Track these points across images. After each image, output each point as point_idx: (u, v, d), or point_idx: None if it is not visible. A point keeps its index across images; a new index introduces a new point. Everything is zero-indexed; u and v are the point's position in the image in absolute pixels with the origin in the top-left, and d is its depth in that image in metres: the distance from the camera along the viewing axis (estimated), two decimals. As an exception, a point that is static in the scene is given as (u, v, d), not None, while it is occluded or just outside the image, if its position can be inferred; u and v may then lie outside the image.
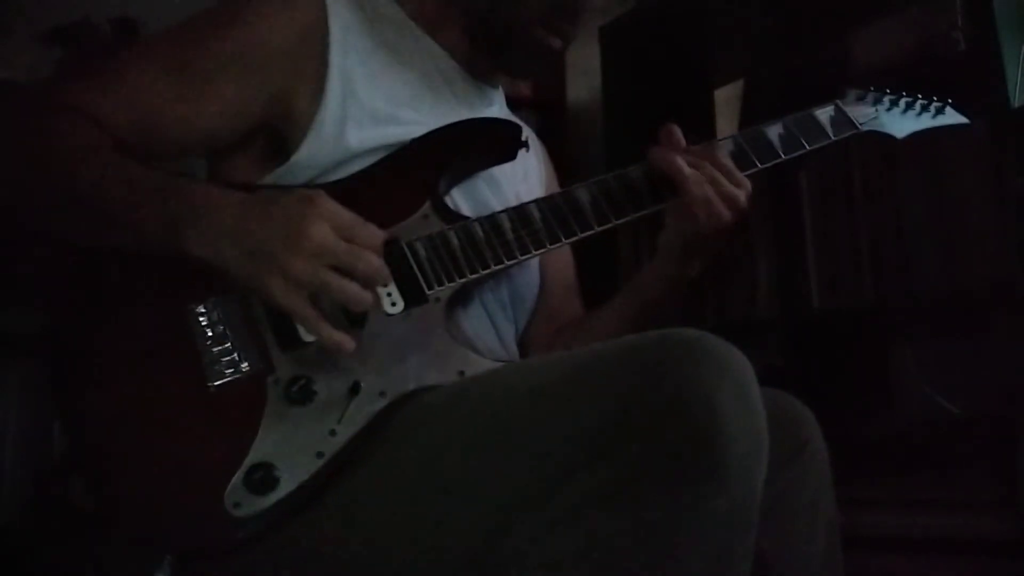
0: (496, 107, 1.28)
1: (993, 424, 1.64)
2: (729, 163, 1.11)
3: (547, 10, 1.15)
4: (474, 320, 1.10)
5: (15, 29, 2.28)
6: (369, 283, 0.90)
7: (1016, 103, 1.73)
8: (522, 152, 1.17)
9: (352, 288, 0.89)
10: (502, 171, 1.19)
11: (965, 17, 1.78)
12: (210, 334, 0.95)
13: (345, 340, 0.90)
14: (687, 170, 1.08)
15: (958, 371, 1.74)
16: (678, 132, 1.13)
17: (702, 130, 2.16)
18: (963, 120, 1.34)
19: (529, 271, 1.24)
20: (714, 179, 1.09)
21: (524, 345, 1.25)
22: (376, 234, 0.92)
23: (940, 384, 1.75)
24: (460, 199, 1.13)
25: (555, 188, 1.39)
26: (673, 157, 1.09)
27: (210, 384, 0.93)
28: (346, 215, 0.90)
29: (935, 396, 1.75)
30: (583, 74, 2.75)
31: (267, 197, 0.92)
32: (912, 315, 1.84)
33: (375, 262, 0.90)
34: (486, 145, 1.14)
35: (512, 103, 2.95)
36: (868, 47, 1.94)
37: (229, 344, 0.94)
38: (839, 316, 1.93)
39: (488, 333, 1.13)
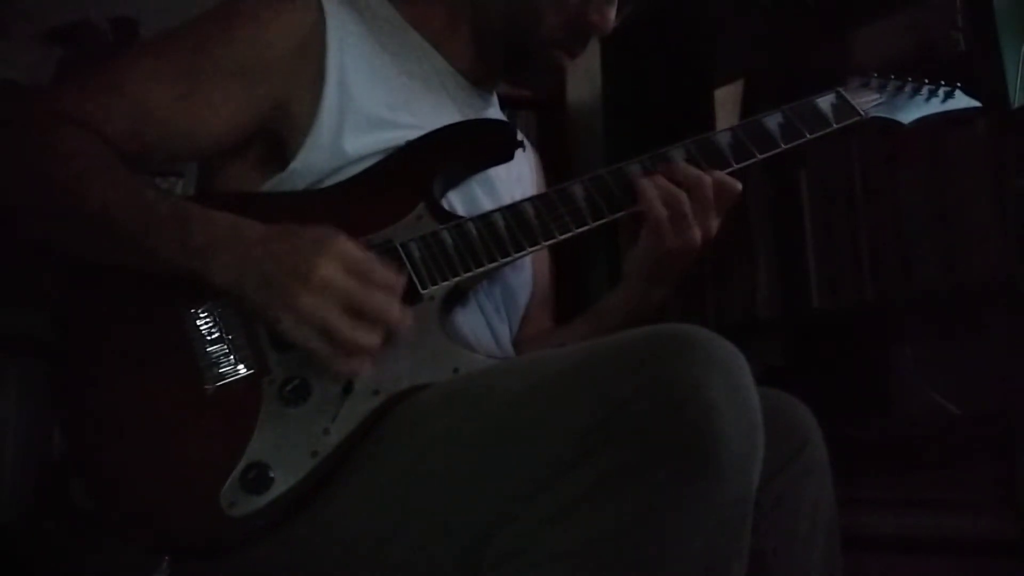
0: (492, 110, 1.29)
1: (993, 424, 1.64)
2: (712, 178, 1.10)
3: (564, 33, 1.17)
4: (470, 319, 1.10)
5: (15, 29, 2.27)
6: (381, 322, 0.91)
7: (1016, 103, 1.73)
8: (518, 153, 1.17)
9: (358, 333, 0.89)
10: (497, 174, 1.19)
11: (965, 17, 1.78)
12: (207, 337, 0.95)
13: (360, 365, 0.91)
14: (652, 192, 1.08)
15: (958, 371, 1.74)
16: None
17: (702, 130, 2.16)
18: (974, 103, 1.31)
19: (523, 271, 1.24)
20: (677, 208, 1.08)
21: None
22: (389, 275, 0.92)
23: (940, 384, 1.75)
24: (456, 202, 1.13)
25: (543, 181, 1.39)
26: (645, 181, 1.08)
27: (207, 386, 0.93)
28: (358, 255, 0.91)
29: (935, 396, 1.75)
30: (583, 74, 2.75)
31: (288, 231, 0.92)
32: (912, 315, 1.84)
33: (383, 302, 0.90)
34: (481, 146, 1.14)
35: (512, 103, 2.96)
36: (868, 47, 1.94)
37: (226, 347, 0.95)
38: (839, 316, 1.93)
39: (483, 332, 1.13)
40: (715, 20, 2.34)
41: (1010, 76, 1.73)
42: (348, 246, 0.91)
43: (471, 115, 1.22)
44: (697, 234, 1.09)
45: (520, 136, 1.18)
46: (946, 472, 1.69)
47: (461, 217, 1.06)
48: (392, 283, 0.92)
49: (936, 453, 1.70)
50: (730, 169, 1.13)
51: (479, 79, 1.23)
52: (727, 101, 2.23)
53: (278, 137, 1.08)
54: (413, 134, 1.09)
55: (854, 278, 1.88)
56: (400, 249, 1.01)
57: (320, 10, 1.09)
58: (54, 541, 1.69)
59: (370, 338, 0.90)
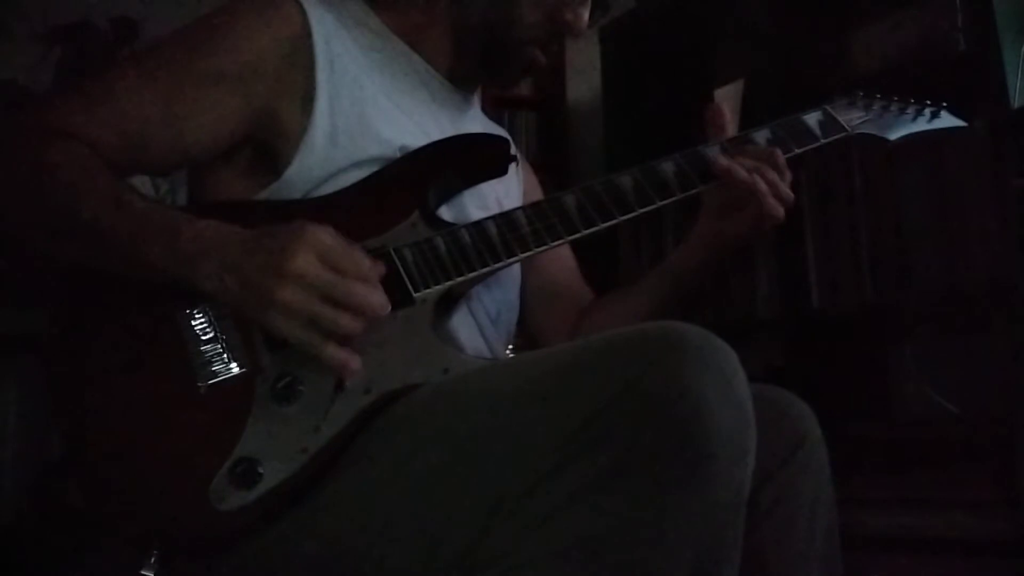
0: (474, 111, 1.30)
1: (993, 424, 1.64)
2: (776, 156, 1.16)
3: (540, 31, 1.18)
4: (463, 326, 1.11)
5: (15, 29, 2.28)
6: (359, 312, 0.90)
7: (1016, 103, 1.73)
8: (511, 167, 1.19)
9: (342, 319, 0.89)
10: (489, 185, 1.20)
11: (965, 17, 1.78)
12: (201, 336, 0.95)
13: (351, 359, 0.91)
14: (743, 174, 1.13)
15: (958, 371, 1.74)
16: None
17: (702, 130, 2.16)
18: (960, 123, 1.34)
19: (512, 275, 1.25)
20: (770, 179, 1.14)
21: (544, 336, 1.29)
22: (362, 261, 0.92)
23: (940, 384, 1.75)
24: (446, 214, 1.13)
25: (535, 186, 1.40)
26: (733, 167, 1.13)
27: (200, 384, 0.93)
28: (332, 243, 0.91)
29: (935, 396, 1.75)
30: (583, 74, 2.76)
31: (265, 231, 0.92)
32: (912, 315, 1.84)
33: (361, 291, 0.90)
34: (477, 160, 1.15)
35: (512, 103, 2.95)
36: (868, 47, 1.94)
37: (219, 346, 0.95)
38: (839, 316, 1.93)
39: (476, 339, 1.14)
40: (715, 20, 2.34)
41: (1010, 76, 1.74)
42: (321, 236, 0.91)
43: (453, 117, 1.23)
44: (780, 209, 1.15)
45: (514, 150, 1.19)
46: (946, 472, 1.69)
47: (455, 224, 1.07)
48: (365, 269, 0.92)
49: (936, 453, 1.70)
50: (718, 183, 1.16)
51: (459, 79, 1.24)
52: (727, 101, 2.23)
53: (267, 145, 1.09)
54: (403, 137, 1.10)
55: (854, 278, 1.88)
56: (393, 254, 1.01)
57: (305, 19, 1.10)
58: (53, 541, 1.69)
59: (353, 324, 0.90)
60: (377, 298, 0.91)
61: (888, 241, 1.84)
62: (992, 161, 1.70)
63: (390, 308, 0.92)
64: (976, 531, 1.63)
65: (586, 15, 1.20)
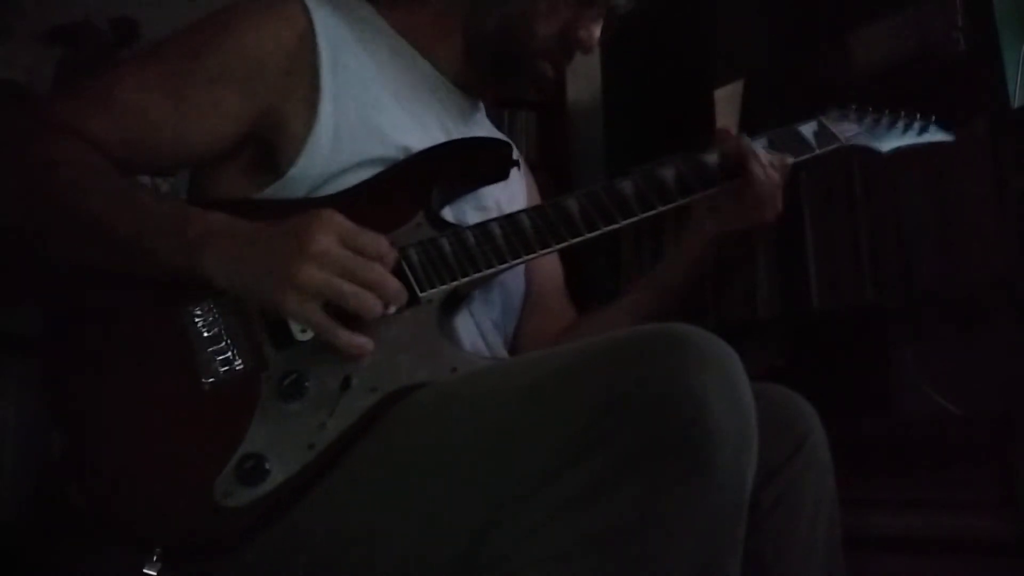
0: (479, 115, 1.31)
1: (993, 424, 1.64)
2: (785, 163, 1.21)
3: (553, 44, 1.19)
4: (463, 328, 1.11)
5: (15, 29, 2.28)
6: (377, 291, 0.91)
7: (1016, 103, 1.73)
8: (514, 172, 1.19)
9: (364, 296, 0.90)
10: (489, 191, 1.20)
11: (965, 17, 1.79)
12: (206, 334, 0.95)
13: (366, 343, 0.92)
14: (756, 164, 1.17)
15: (958, 370, 1.74)
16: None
17: (702, 130, 2.16)
18: (947, 138, 1.37)
19: (516, 280, 1.25)
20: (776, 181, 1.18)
21: (521, 345, 1.27)
22: (381, 243, 0.93)
23: (940, 384, 1.75)
24: (447, 213, 1.14)
25: (534, 191, 1.41)
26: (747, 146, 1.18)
27: (204, 381, 0.93)
28: (350, 225, 0.92)
29: (935, 396, 1.75)
30: (583, 74, 2.76)
31: (280, 222, 0.93)
32: (912, 315, 1.84)
33: (381, 271, 0.91)
34: (480, 164, 1.16)
35: (512, 103, 2.95)
36: (868, 47, 1.94)
37: (224, 343, 0.95)
38: (839, 316, 1.93)
39: (477, 342, 1.14)
40: (715, 20, 2.35)
41: (1010, 76, 1.74)
42: (340, 218, 0.91)
43: (460, 120, 1.23)
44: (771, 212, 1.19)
45: (516, 155, 1.20)
46: (946, 472, 1.69)
47: (459, 225, 1.07)
48: (385, 252, 0.93)
49: (936, 453, 1.70)
50: (716, 189, 1.18)
51: (467, 85, 1.25)
52: (727, 101, 2.23)
53: (270, 145, 1.09)
54: (406, 138, 1.11)
55: (854, 278, 1.88)
56: (399, 254, 1.01)
57: (309, 18, 1.10)
58: (54, 541, 1.69)
59: (373, 304, 0.90)
60: (393, 283, 0.92)
61: (888, 241, 1.84)
62: (992, 161, 1.70)
63: (407, 296, 0.93)
64: (976, 531, 1.63)
65: (597, 32, 1.21)
